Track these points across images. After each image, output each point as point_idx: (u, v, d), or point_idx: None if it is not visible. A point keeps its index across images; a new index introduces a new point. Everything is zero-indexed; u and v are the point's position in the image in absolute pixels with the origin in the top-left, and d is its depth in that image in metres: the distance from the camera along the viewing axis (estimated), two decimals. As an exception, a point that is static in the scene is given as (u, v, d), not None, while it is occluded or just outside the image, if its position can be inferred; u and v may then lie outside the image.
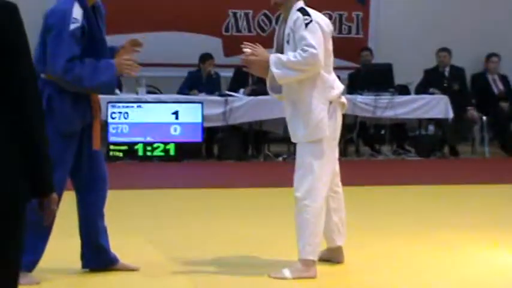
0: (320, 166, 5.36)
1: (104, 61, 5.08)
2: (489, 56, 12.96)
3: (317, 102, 5.48)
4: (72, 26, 4.94)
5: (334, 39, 5.66)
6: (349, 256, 5.77)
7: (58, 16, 4.96)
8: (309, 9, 5.42)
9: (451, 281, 5.44)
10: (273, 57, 5.40)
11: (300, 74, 5.40)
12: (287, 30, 5.47)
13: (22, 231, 2.84)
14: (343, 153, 11.20)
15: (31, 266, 4.97)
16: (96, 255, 5.28)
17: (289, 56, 5.35)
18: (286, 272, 5.47)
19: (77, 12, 4.95)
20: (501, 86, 12.93)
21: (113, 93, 5.96)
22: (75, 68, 4.89)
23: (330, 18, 13.47)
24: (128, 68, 5.27)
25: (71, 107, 5.06)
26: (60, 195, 4.53)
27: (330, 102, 5.42)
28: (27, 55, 2.79)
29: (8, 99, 2.74)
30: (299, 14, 5.34)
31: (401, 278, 5.55)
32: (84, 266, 5.29)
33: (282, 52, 5.55)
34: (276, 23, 11.34)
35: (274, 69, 5.35)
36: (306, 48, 5.27)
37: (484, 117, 12.35)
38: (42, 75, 5.00)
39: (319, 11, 5.57)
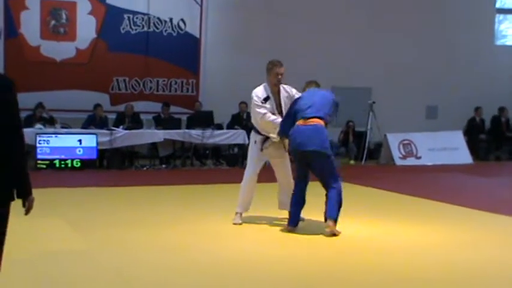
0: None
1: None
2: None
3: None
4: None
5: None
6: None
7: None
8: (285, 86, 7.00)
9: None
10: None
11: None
12: (284, 98, 6.86)
13: (8, 219, 3.24)
14: (184, 164, 13.26)
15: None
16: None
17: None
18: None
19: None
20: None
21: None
22: None
23: (176, 83, 14.88)
24: None
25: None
26: (308, 179, 6.67)
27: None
28: (18, 114, 3.22)
29: (2, 141, 3.09)
30: (286, 87, 6.98)
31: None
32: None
33: (280, 109, 6.85)
34: (144, 86, 14.27)
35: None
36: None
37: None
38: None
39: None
